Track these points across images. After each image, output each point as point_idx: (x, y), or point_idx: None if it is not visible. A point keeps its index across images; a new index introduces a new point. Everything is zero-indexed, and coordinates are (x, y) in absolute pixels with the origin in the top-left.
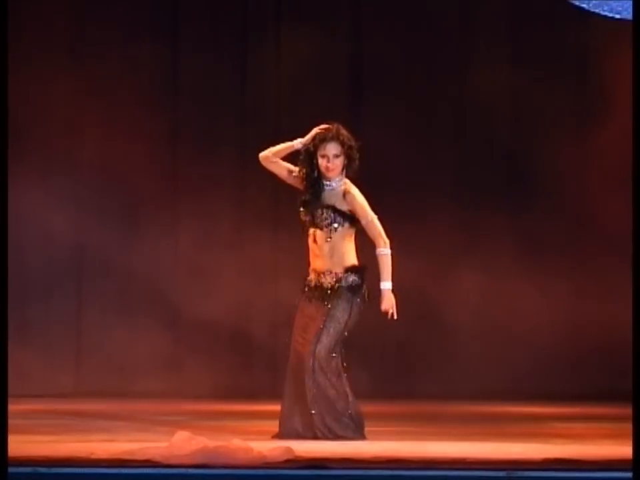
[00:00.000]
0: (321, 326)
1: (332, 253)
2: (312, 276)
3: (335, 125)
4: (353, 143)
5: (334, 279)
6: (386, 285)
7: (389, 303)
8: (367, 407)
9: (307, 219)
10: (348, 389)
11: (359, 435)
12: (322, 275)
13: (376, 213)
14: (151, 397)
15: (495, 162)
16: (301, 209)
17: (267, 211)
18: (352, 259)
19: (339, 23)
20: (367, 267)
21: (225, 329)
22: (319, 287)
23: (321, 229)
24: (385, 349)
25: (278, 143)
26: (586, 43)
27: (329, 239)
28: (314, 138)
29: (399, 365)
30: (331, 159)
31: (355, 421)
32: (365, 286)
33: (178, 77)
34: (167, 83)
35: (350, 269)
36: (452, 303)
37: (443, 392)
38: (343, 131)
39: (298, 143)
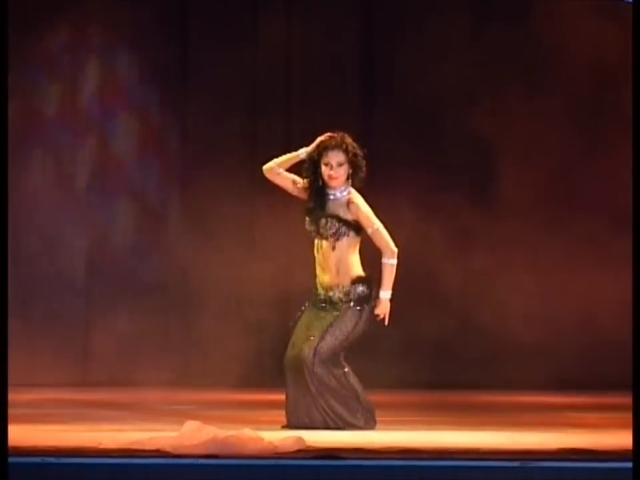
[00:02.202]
0: (327, 325)
1: (338, 265)
2: (319, 289)
3: (340, 134)
4: (358, 151)
5: (342, 293)
6: (385, 294)
7: (383, 309)
8: (379, 397)
9: (312, 228)
10: (354, 381)
11: (370, 424)
12: (330, 289)
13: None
14: (160, 386)
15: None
16: (306, 220)
17: (278, 204)
18: (358, 269)
19: (351, 11)
20: (374, 276)
21: (236, 317)
22: (328, 300)
23: (326, 238)
24: (397, 337)
25: (289, 132)
26: (601, 29)
27: (333, 249)
28: (318, 146)
29: (410, 354)
30: (334, 167)
31: (366, 410)
32: (373, 295)
33: (186, 68)
34: (176, 75)
35: (357, 280)
36: (466, 293)
37: (455, 381)
38: (348, 139)
39: (303, 153)
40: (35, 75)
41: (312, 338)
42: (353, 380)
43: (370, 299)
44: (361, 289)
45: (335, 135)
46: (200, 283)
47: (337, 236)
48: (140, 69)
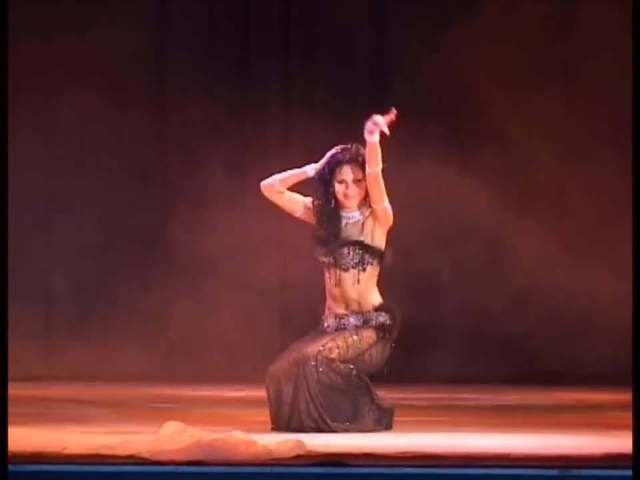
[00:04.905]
0: (339, 333)
1: (359, 298)
2: (330, 320)
3: (354, 145)
4: None
5: (361, 320)
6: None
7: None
8: (392, 393)
9: (328, 260)
10: (365, 378)
11: (382, 425)
12: (345, 317)
13: None
14: (135, 380)
15: None
16: (318, 249)
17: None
18: (379, 298)
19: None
20: (398, 309)
21: (225, 304)
22: (341, 329)
23: (346, 270)
24: (412, 327)
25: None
26: None
27: (358, 282)
28: (329, 161)
29: (426, 344)
30: (350, 184)
31: (381, 410)
32: (395, 330)
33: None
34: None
35: (380, 308)
36: (493, 282)
37: (481, 376)
38: (364, 152)
39: (311, 169)
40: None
41: (318, 343)
42: (364, 377)
43: (392, 331)
44: (383, 317)
45: (349, 146)
46: (188, 272)
47: (360, 267)
48: (116, 37)
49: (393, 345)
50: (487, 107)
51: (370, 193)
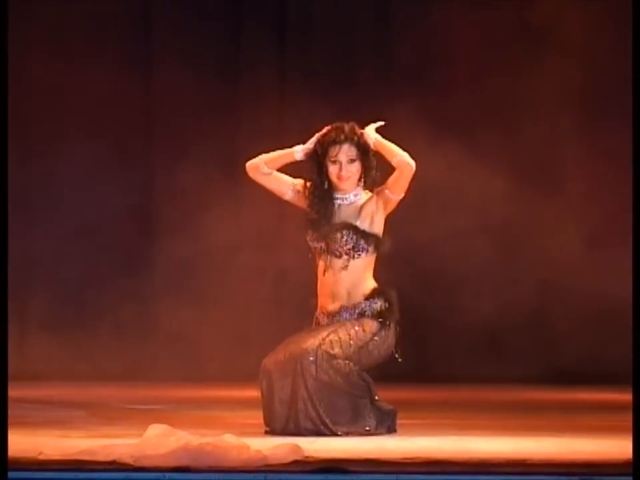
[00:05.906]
0: (340, 325)
1: (350, 287)
2: (323, 319)
3: (349, 123)
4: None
5: (354, 314)
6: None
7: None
8: (397, 394)
9: (320, 245)
10: (367, 378)
11: (384, 428)
12: (337, 315)
13: None
14: (117, 379)
15: None
16: (310, 233)
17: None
18: (372, 285)
19: None
20: (392, 290)
21: (217, 297)
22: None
23: (339, 256)
24: (418, 320)
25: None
26: None
27: (345, 268)
28: (321, 141)
29: (435, 340)
30: (344, 164)
31: (383, 412)
32: (395, 314)
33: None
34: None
35: (372, 295)
36: (510, 276)
37: (495, 374)
38: (359, 130)
39: (299, 152)
40: None
41: (317, 336)
42: (367, 377)
43: (392, 316)
44: (377, 304)
45: (342, 125)
46: (174, 261)
47: (354, 252)
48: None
49: (399, 328)
50: (486, 84)
51: (396, 183)
